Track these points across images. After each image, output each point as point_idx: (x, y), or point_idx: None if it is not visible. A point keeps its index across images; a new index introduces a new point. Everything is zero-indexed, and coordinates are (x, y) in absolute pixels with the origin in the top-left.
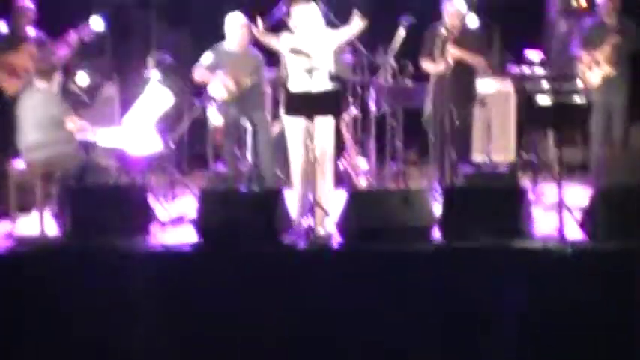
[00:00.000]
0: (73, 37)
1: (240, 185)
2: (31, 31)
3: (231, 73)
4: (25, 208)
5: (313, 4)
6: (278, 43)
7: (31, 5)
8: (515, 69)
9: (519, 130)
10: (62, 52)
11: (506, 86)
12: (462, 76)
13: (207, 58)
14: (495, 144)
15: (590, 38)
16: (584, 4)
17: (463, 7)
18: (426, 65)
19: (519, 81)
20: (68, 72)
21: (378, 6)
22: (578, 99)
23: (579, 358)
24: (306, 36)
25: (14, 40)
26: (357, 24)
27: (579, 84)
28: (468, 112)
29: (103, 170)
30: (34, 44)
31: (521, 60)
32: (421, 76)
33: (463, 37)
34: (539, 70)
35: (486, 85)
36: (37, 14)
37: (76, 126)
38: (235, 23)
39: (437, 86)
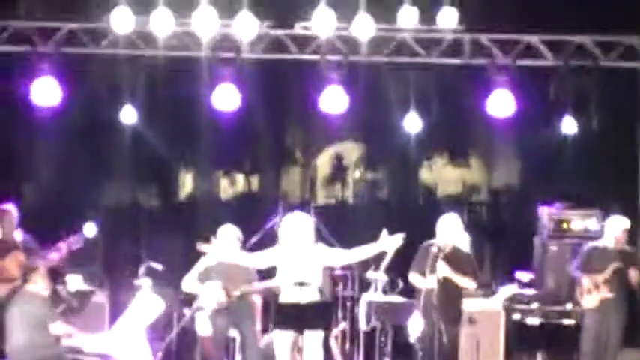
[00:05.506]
0: (63, 247)
1: None
2: (17, 235)
3: (222, 284)
4: None
5: (306, 217)
6: (265, 259)
7: (14, 210)
8: (504, 289)
9: (508, 350)
10: (52, 258)
11: (496, 305)
12: (450, 294)
13: (198, 267)
14: None
15: (591, 262)
16: (575, 227)
17: (457, 227)
18: (415, 279)
19: (509, 301)
20: (59, 277)
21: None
22: (567, 321)
23: None
24: (295, 248)
25: (2, 246)
26: (387, 244)
27: (570, 306)
28: (455, 330)
29: None
30: (21, 250)
31: (511, 280)
32: (411, 293)
33: (454, 256)
34: (529, 292)
35: (475, 303)
36: (20, 218)
37: (62, 330)
38: (228, 235)
39: (425, 303)
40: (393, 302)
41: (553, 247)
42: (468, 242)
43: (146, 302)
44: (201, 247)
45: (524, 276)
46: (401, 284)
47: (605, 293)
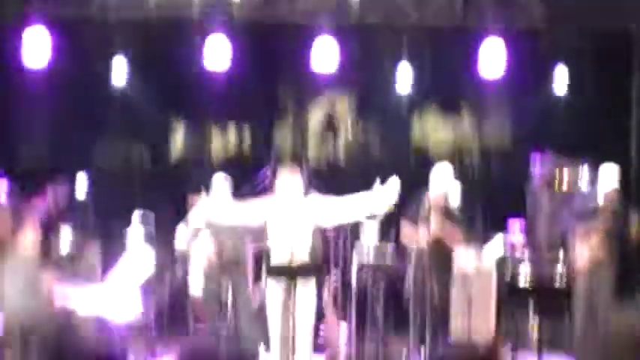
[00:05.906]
0: (49, 193)
1: (219, 345)
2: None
3: (215, 241)
4: None
5: (297, 174)
6: (256, 212)
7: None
8: (495, 238)
9: (499, 310)
10: (38, 207)
11: (488, 263)
12: (441, 256)
13: (190, 222)
14: (476, 321)
15: (583, 215)
16: (566, 188)
17: (449, 176)
18: (405, 227)
19: (501, 258)
20: (50, 232)
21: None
22: (559, 284)
23: None
24: (286, 203)
25: None
26: (384, 196)
27: (561, 269)
28: (446, 287)
29: (82, 338)
30: (7, 210)
31: (503, 229)
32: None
33: (446, 213)
34: (520, 240)
35: (468, 261)
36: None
37: (55, 291)
38: (221, 183)
39: (417, 261)
40: (385, 265)
41: (545, 195)
42: (459, 191)
43: (138, 254)
44: (193, 198)
45: (516, 225)
46: (395, 235)
47: (596, 252)
